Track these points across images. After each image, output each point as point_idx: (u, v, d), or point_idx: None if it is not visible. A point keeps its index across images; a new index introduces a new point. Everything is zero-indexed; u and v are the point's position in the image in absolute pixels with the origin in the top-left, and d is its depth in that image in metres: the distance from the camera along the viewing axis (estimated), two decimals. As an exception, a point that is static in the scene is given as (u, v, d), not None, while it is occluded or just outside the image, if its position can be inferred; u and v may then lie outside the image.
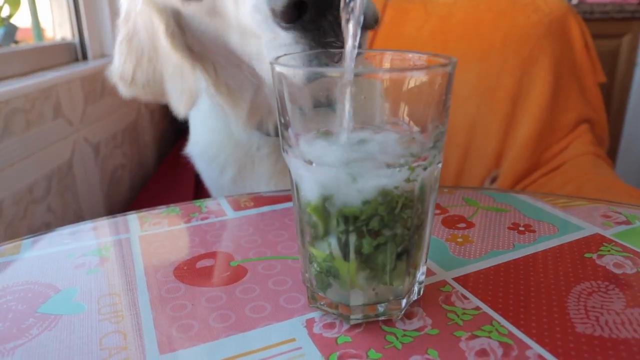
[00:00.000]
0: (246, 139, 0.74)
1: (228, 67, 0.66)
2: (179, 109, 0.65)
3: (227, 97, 0.68)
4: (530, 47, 1.44)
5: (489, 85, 1.46)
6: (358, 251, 0.34)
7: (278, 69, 0.34)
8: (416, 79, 0.33)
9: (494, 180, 1.46)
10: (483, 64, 1.46)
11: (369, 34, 0.68)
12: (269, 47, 0.52)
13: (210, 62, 0.66)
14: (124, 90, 0.69)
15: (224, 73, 0.67)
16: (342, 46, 0.36)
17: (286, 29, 0.49)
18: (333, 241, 0.35)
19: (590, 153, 1.42)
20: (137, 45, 0.65)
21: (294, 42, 0.49)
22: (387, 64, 0.40)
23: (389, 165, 0.33)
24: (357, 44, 0.34)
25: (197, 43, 0.64)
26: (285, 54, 0.40)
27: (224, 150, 0.77)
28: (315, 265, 0.37)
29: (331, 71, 0.35)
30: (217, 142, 0.78)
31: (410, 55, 0.38)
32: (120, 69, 0.67)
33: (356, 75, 0.32)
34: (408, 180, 0.33)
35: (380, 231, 0.34)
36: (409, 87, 0.33)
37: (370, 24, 0.52)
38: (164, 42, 0.61)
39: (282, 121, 0.36)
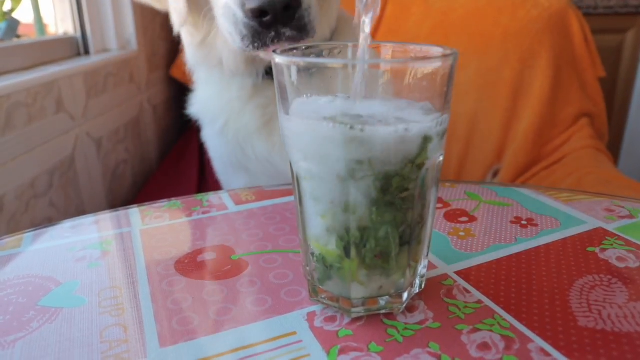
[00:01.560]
0: (226, 85, 0.82)
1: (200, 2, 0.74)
2: (174, 23, 0.76)
3: (192, 27, 0.78)
4: (530, 41, 1.45)
5: (489, 80, 1.47)
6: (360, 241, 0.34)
7: (278, 60, 0.34)
8: (418, 70, 0.33)
9: (495, 174, 1.47)
10: (483, 58, 1.47)
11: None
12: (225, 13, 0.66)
13: None
14: None
15: (193, 6, 0.75)
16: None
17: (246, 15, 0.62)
18: (336, 237, 0.35)
19: (590, 146, 1.43)
20: None
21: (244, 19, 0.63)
22: (388, 56, 0.39)
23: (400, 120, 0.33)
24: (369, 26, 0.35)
25: None
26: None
27: (211, 101, 0.84)
28: (316, 259, 0.37)
29: (332, 62, 0.35)
30: (205, 95, 0.85)
31: (411, 47, 0.38)
32: None
33: (355, 64, 0.32)
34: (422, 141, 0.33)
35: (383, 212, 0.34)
36: (410, 78, 0.33)
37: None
38: None
39: (284, 113, 0.36)
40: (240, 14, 0.63)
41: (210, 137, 0.89)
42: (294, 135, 0.35)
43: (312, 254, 0.37)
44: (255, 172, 0.86)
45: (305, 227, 0.37)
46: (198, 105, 0.88)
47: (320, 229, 0.36)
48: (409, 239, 0.36)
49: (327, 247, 0.36)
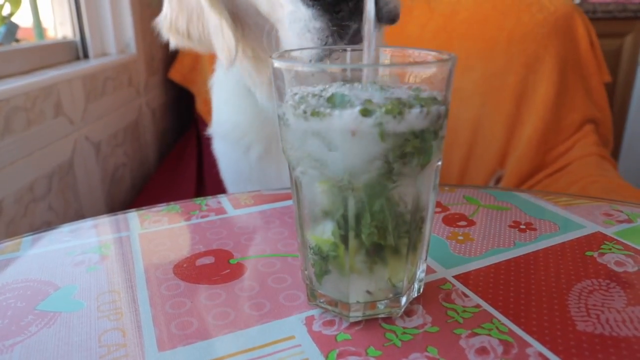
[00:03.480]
0: (271, 115, 0.77)
1: (256, 29, 0.69)
2: (223, 62, 0.70)
3: (253, 61, 0.73)
4: (535, 46, 1.42)
5: (493, 85, 1.45)
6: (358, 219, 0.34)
7: (277, 64, 0.34)
8: (416, 74, 0.33)
9: (498, 180, 1.46)
10: (487, 62, 1.45)
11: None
12: (290, 19, 0.57)
13: (239, 23, 0.71)
14: (175, 42, 0.73)
15: (251, 35, 0.71)
16: (357, 30, 0.46)
17: (308, 5, 0.53)
18: (333, 223, 0.35)
19: (595, 154, 1.40)
20: (187, 3, 0.71)
21: (312, 18, 0.53)
22: (387, 61, 0.39)
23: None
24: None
25: (230, 3, 0.69)
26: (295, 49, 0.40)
27: (251, 129, 0.79)
28: (313, 251, 0.37)
29: (330, 67, 0.35)
30: (243, 123, 0.80)
31: (410, 51, 0.38)
32: (171, 22, 0.72)
33: (353, 71, 0.32)
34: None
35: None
36: (409, 82, 0.33)
37: (388, 20, 0.59)
38: (203, 1, 0.67)
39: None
40: (308, 14, 0.56)
41: (229, 153, 0.86)
42: (290, 132, 0.35)
43: (310, 247, 0.37)
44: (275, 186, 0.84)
45: (303, 224, 0.37)
46: (225, 130, 0.84)
47: (316, 213, 0.36)
48: (407, 233, 0.35)
49: (323, 236, 0.36)
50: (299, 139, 0.34)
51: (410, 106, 0.31)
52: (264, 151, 0.80)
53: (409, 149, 0.32)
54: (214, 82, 0.87)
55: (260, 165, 0.81)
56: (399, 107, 0.31)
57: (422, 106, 0.31)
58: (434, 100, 0.33)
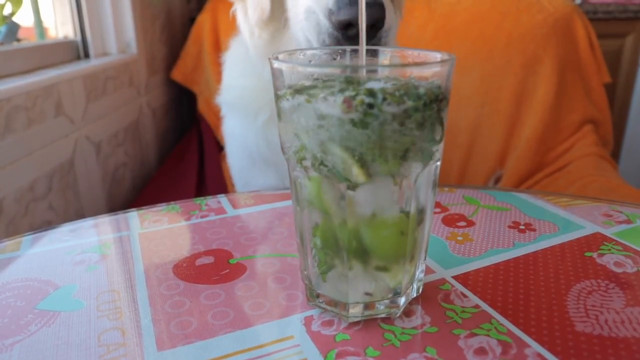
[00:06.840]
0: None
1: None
2: (252, 19, 0.75)
3: (270, 35, 0.77)
4: (534, 46, 1.43)
5: (492, 85, 1.45)
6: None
7: (276, 65, 0.34)
8: (415, 75, 0.33)
9: (497, 180, 1.46)
10: (487, 63, 1.45)
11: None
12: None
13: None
14: None
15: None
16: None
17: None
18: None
19: (594, 154, 1.40)
20: None
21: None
22: (386, 61, 0.40)
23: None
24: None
25: None
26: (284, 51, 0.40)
27: (256, 92, 0.81)
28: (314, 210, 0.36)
29: (330, 68, 0.35)
30: (250, 86, 0.82)
31: (409, 52, 0.38)
32: None
33: (354, 72, 0.32)
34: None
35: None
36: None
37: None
38: None
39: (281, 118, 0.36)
40: (325, 24, 0.64)
41: (242, 130, 0.86)
42: (286, 118, 0.34)
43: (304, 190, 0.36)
44: (287, 170, 0.83)
45: (301, 215, 0.37)
46: (234, 95, 0.85)
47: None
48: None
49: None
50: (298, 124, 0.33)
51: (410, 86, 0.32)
52: (269, 117, 0.81)
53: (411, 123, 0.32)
54: (227, 56, 0.89)
55: (264, 133, 0.82)
56: (399, 86, 0.31)
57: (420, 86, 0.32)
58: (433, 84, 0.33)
